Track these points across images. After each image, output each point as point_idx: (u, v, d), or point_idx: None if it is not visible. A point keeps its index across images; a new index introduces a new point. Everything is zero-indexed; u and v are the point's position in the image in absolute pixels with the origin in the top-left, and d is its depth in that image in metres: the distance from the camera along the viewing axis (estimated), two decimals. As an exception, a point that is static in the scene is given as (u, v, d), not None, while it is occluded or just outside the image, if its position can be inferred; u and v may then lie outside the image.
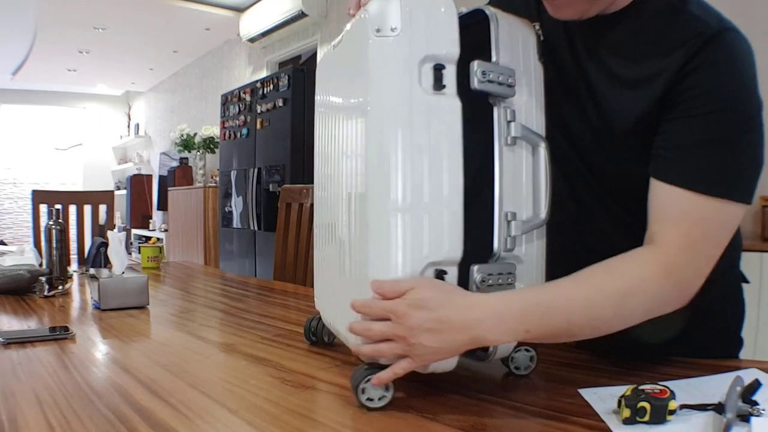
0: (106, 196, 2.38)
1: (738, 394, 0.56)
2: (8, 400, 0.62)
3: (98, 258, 1.71)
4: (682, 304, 0.63)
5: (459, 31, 0.61)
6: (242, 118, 3.99)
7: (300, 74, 3.47)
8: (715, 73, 0.61)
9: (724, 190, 0.60)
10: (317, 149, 0.83)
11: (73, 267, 1.75)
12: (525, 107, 0.67)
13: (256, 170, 3.72)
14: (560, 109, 0.74)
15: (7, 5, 4.31)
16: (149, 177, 6.86)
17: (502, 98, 0.64)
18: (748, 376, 0.61)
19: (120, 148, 8.08)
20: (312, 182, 1.69)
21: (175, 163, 5.66)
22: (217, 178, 4.58)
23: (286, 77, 3.47)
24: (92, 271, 1.25)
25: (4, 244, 4.79)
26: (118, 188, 7.43)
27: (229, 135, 4.16)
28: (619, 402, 0.56)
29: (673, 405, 0.54)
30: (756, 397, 0.56)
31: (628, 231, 0.75)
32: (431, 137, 0.60)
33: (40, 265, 1.56)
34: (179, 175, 5.42)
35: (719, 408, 0.55)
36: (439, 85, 0.60)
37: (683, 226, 0.61)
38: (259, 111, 3.75)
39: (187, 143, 5.15)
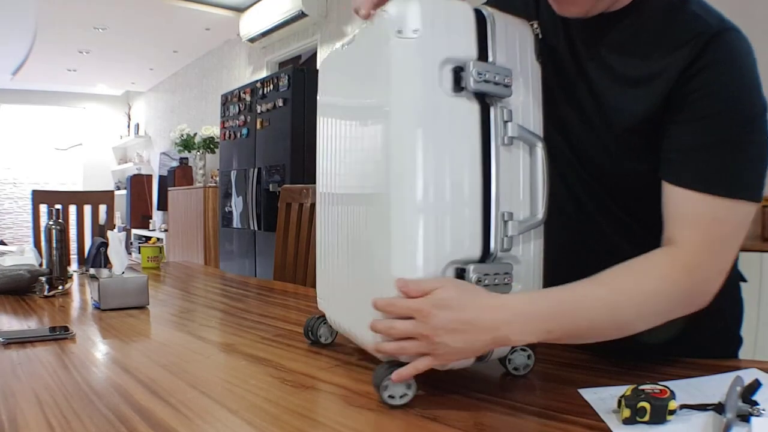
0: (106, 196, 2.38)
1: (738, 394, 0.56)
2: (8, 400, 0.62)
3: (98, 258, 1.71)
4: (704, 305, 0.64)
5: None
6: (242, 118, 3.99)
7: (300, 74, 3.47)
8: (720, 74, 0.61)
9: (737, 191, 0.61)
10: (321, 149, 0.83)
11: (73, 267, 1.75)
12: (522, 107, 0.67)
13: (256, 170, 3.72)
14: (559, 108, 0.74)
15: (7, 5, 4.31)
16: (149, 177, 6.86)
17: (499, 98, 0.64)
18: (748, 376, 0.61)
19: (120, 148, 8.08)
20: (312, 182, 1.69)
21: (175, 163, 5.66)
22: (217, 178, 4.58)
23: (286, 77, 3.46)
24: (92, 271, 1.25)
25: (4, 244, 4.79)
26: (118, 188, 7.43)
27: (229, 135, 4.16)
28: (619, 402, 0.56)
29: (673, 405, 0.54)
30: (756, 397, 0.56)
31: (628, 231, 0.75)
32: (452, 138, 0.61)
33: (40, 265, 1.56)
34: (179, 175, 5.42)
35: (719, 408, 0.55)
36: (458, 87, 0.61)
37: (700, 228, 0.62)
38: (259, 111, 3.75)
39: (187, 143, 5.15)
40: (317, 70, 3.84)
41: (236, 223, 4.01)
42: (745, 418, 0.52)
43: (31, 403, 0.61)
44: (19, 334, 0.90)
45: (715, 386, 0.63)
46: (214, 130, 4.96)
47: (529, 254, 0.67)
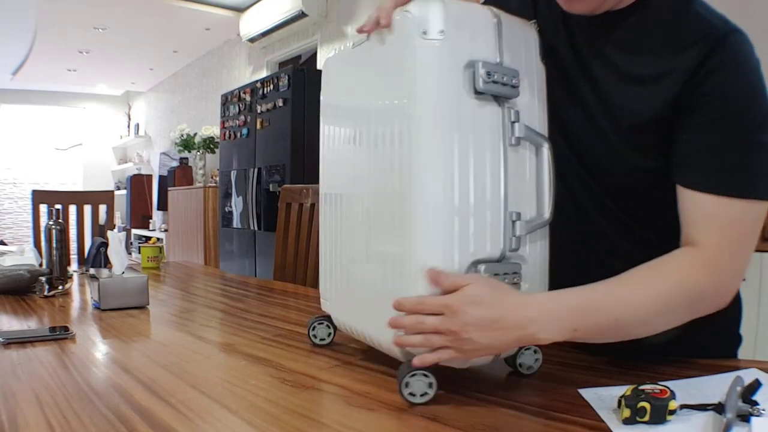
0: (106, 196, 2.38)
1: (738, 394, 0.56)
2: (8, 400, 0.62)
3: (98, 258, 1.70)
4: (725, 304, 0.65)
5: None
6: (242, 118, 3.99)
7: (300, 74, 3.47)
8: (730, 76, 0.62)
9: (753, 192, 0.63)
10: (326, 149, 0.83)
11: (73, 267, 1.75)
12: (528, 108, 0.67)
13: (256, 170, 3.72)
14: (560, 109, 0.74)
15: (7, 5, 4.31)
16: (149, 177, 6.86)
17: (506, 99, 0.64)
18: (748, 376, 0.61)
19: (120, 148, 8.08)
20: (312, 182, 1.69)
21: (175, 163, 5.66)
22: (217, 178, 4.58)
23: (286, 77, 3.46)
24: (92, 271, 1.25)
25: (4, 244, 4.79)
26: (118, 188, 7.43)
27: (229, 135, 4.16)
28: (619, 402, 0.56)
29: (673, 405, 0.54)
30: (756, 397, 0.56)
31: (628, 232, 0.75)
32: (475, 140, 0.62)
33: (40, 265, 1.55)
34: (179, 175, 5.41)
35: (719, 408, 0.55)
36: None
37: (719, 230, 0.63)
38: (259, 111, 3.75)
39: (187, 143, 5.15)
40: (318, 70, 3.82)
41: (236, 223, 4.01)
42: (745, 418, 0.52)
43: (31, 403, 0.61)
44: (19, 334, 0.90)
45: (715, 386, 0.63)
46: (214, 130, 4.96)
47: (535, 254, 0.68)
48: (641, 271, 0.63)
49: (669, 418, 0.54)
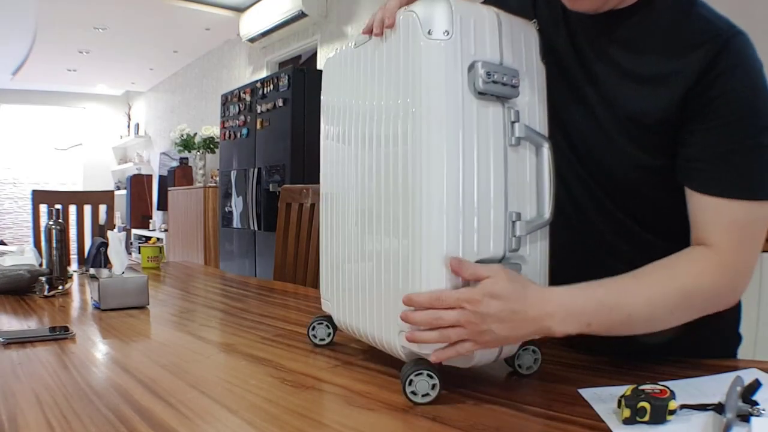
0: (106, 196, 2.38)
1: (738, 394, 0.56)
2: (8, 400, 0.62)
3: (98, 258, 1.70)
4: (735, 302, 0.67)
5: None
6: (242, 118, 3.99)
7: (300, 74, 3.47)
8: (738, 79, 0.63)
9: (761, 193, 0.64)
10: (327, 149, 0.82)
11: (73, 267, 1.75)
12: (528, 108, 0.67)
13: (256, 170, 3.72)
14: (560, 108, 0.74)
15: (7, 5, 4.31)
16: (149, 177, 6.85)
17: (506, 99, 0.64)
18: (748, 376, 0.61)
19: (120, 148, 8.08)
20: (312, 182, 1.69)
21: (175, 163, 5.66)
22: (217, 178, 4.58)
23: (286, 77, 3.46)
24: (92, 271, 1.25)
25: (4, 244, 4.79)
26: (118, 188, 7.43)
27: (229, 135, 4.16)
28: (619, 402, 0.56)
29: (673, 405, 0.54)
30: (756, 397, 0.56)
31: (628, 233, 0.75)
32: (479, 140, 0.62)
33: (40, 265, 1.55)
34: (179, 175, 5.41)
35: (719, 408, 0.55)
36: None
37: (729, 230, 0.64)
38: (259, 111, 3.75)
39: (187, 143, 5.15)
40: (318, 70, 3.82)
41: (236, 223, 4.01)
42: (745, 418, 0.52)
43: (31, 403, 0.61)
44: (19, 334, 0.90)
45: (715, 386, 0.63)
46: (214, 130, 4.96)
47: (535, 254, 0.68)
48: (656, 269, 0.64)
49: (669, 418, 0.54)
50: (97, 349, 0.87)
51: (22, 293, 1.31)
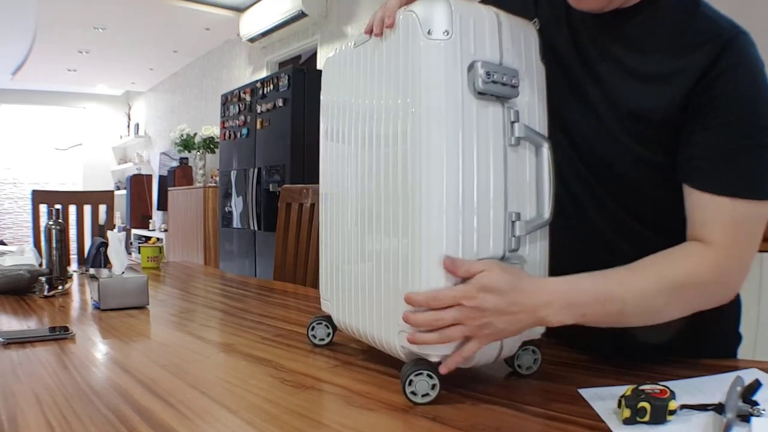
0: (106, 196, 2.38)
1: (738, 394, 0.56)
2: (8, 400, 0.62)
3: (98, 258, 1.70)
4: (730, 299, 0.68)
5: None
6: (242, 118, 3.99)
7: (300, 74, 3.47)
8: (738, 79, 0.63)
9: (760, 192, 0.64)
10: (326, 149, 0.82)
11: (73, 267, 1.75)
12: (528, 107, 0.67)
13: (256, 170, 3.72)
14: (562, 106, 0.74)
15: (7, 5, 4.31)
16: (149, 177, 6.85)
17: (506, 99, 0.64)
18: (748, 376, 0.61)
19: (120, 148, 8.08)
20: (312, 182, 1.69)
21: (175, 163, 5.65)
22: (217, 178, 4.57)
23: (286, 77, 3.46)
24: (92, 271, 1.25)
25: (4, 244, 4.79)
26: (118, 188, 7.42)
27: (229, 135, 4.16)
28: (620, 402, 0.56)
29: (673, 405, 0.54)
30: (756, 398, 0.56)
31: (628, 232, 0.75)
32: (479, 140, 0.62)
33: (40, 265, 1.55)
34: (179, 175, 5.41)
35: (719, 408, 0.55)
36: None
37: (728, 228, 0.65)
38: (259, 111, 3.75)
39: (187, 143, 5.15)
40: (318, 70, 3.82)
41: (236, 223, 4.01)
42: (745, 418, 0.52)
43: (30, 404, 0.61)
44: (19, 334, 0.90)
45: (715, 386, 0.63)
46: (214, 130, 4.96)
47: (535, 254, 0.68)
48: (652, 263, 0.65)
49: (669, 418, 0.54)
50: (97, 349, 0.87)
51: (22, 293, 1.31)
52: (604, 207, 0.75)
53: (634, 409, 0.54)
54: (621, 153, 0.71)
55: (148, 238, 6.09)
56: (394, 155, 0.65)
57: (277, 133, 3.55)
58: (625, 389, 0.56)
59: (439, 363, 0.62)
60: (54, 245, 1.44)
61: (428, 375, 0.61)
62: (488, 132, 0.63)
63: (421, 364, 0.62)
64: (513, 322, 0.61)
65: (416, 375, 0.61)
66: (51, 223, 1.46)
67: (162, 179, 6.16)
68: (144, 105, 7.65)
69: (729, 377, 0.61)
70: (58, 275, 1.41)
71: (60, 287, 1.34)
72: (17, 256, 1.59)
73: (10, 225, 7.35)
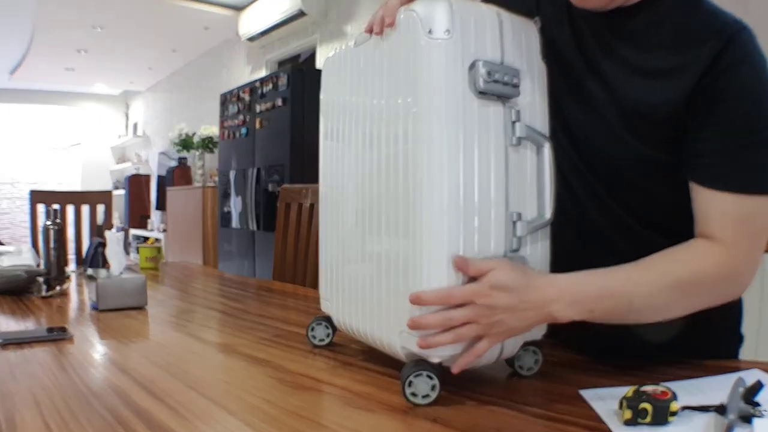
0: (104, 196, 2.37)
1: (740, 395, 0.55)
2: (5, 402, 0.61)
3: (96, 258, 1.70)
4: (739, 295, 0.68)
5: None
6: (241, 117, 3.98)
7: (299, 73, 3.46)
8: (741, 74, 0.63)
9: (767, 187, 0.64)
10: (326, 149, 0.82)
11: (71, 267, 1.75)
12: (529, 107, 0.67)
13: (255, 170, 3.71)
14: (563, 105, 0.74)
15: (4, 4, 4.30)
16: (148, 177, 6.84)
17: (507, 98, 0.64)
18: (750, 377, 0.61)
19: (118, 147, 8.07)
20: (312, 182, 1.69)
21: (173, 163, 5.65)
22: (216, 178, 4.57)
23: (286, 76, 3.46)
24: (90, 271, 1.24)
25: (2, 244, 4.77)
26: (117, 188, 7.41)
27: (228, 135, 4.15)
28: (621, 403, 0.55)
29: (674, 406, 0.54)
30: (758, 399, 0.56)
31: (628, 231, 0.75)
32: (480, 140, 0.62)
33: (38, 265, 1.55)
34: (178, 175, 5.41)
35: (721, 409, 0.55)
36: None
37: (735, 224, 0.65)
38: (258, 110, 3.74)
39: (185, 143, 5.14)
40: (317, 70, 3.82)
41: (235, 223, 4.00)
42: (747, 419, 0.52)
43: (28, 405, 0.60)
44: (17, 335, 0.89)
45: (717, 387, 0.63)
46: (212, 130, 4.95)
47: (536, 254, 0.68)
48: (661, 259, 0.65)
49: (671, 419, 0.54)
50: (95, 349, 0.87)
51: (19, 294, 1.31)
52: (604, 206, 0.75)
53: (636, 410, 0.53)
54: (624, 151, 0.71)
55: (146, 239, 6.08)
56: (394, 155, 0.65)
57: (276, 132, 3.54)
58: (627, 390, 0.56)
59: (440, 364, 0.62)
60: (52, 245, 1.43)
61: (428, 376, 0.61)
62: (489, 131, 0.63)
63: (421, 364, 0.61)
64: (523, 318, 0.61)
65: (416, 376, 0.61)
66: (49, 223, 1.45)
67: (161, 179, 6.15)
68: (142, 104, 7.64)
69: (731, 378, 0.61)
70: (55, 275, 1.41)
71: (58, 288, 1.33)
72: (15, 256, 1.59)
73: (8, 225, 7.33)
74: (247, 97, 3.90)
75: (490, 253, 0.63)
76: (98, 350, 0.86)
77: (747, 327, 0.82)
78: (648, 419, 0.53)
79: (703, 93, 0.65)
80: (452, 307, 0.60)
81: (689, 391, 0.62)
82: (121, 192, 7.00)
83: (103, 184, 7.52)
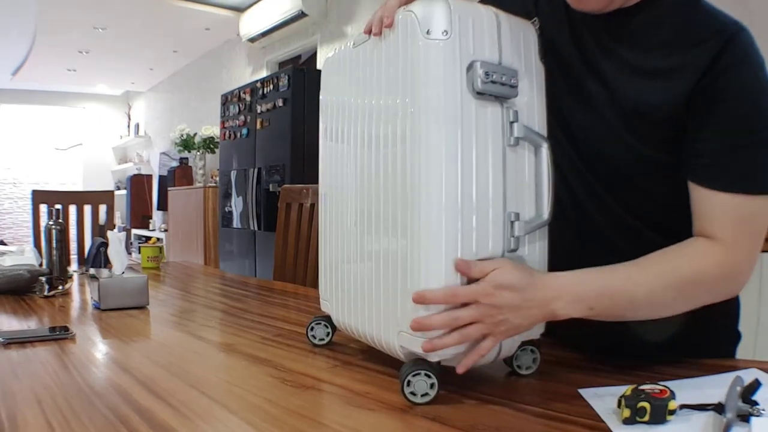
0: (106, 196, 2.38)
1: (738, 394, 0.56)
2: (8, 401, 0.62)
3: (98, 258, 1.70)
4: (737, 293, 0.69)
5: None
6: (242, 118, 3.98)
7: (300, 74, 3.46)
8: (740, 75, 0.64)
9: (766, 187, 0.65)
10: (325, 149, 0.82)
11: (73, 267, 1.75)
12: (527, 108, 0.67)
13: (256, 170, 3.72)
14: (562, 105, 0.74)
15: (6, 5, 4.31)
16: (149, 177, 6.85)
17: (505, 99, 0.64)
18: (748, 375, 0.61)
19: (120, 148, 8.08)
20: (312, 182, 1.69)
21: (174, 163, 5.65)
22: (217, 178, 4.58)
23: (286, 77, 3.46)
24: (92, 271, 1.25)
25: (4, 244, 4.79)
26: (118, 188, 7.42)
27: (229, 135, 4.16)
28: (619, 402, 0.56)
29: (673, 405, 0.54)
30: (756, 397, 0.56)
31: (628, 231, 0.75)
32: (478, 140, 0.62)
33: (40, 265, 1.55)
34: (179, 175, 5.41)
35: (719, 408, 0.55)
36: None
37: (734, 224, 0.65)
38: (259, 111, 3.75)
39: (186, 143, 5.15)
40: (318, 70, 3.82)
41: (236, 223, 4.01)
42: (745, 418, 0.52)
43: (30, 404, 0.61)
44: (19, 334, 0.90)
45: (715, 386, 0.63)
46: (213, 130, 4.95)
47: (534, 254, 0.68)
48: (660, 258, 0.65)
49: (669, 418, 0.54)
50: (97, 349, 0.87)
51: (22, 293, 1.31)
52: (604, 205, 0.75)
53: (634, 409, 0.53)
54: (623, 151, 0.71)
55: (148, 238, 6.09)
56: (393, 155, 0.65)
57: (276, 133, 3.55)
58: (625, 389, 0.56)
59: (438, 363, 0.62)
60: (54, 245, 1.44)
61: (426, 375, 0.61)
62: (487, 132, 0.63)
63: (420, 364, 0.62)
64: (527, 316, 0.62)
65: (414, 375, 0.61)
66: (51, 223, 1.46)
67: (162, 179, 6.16)
68: (144, 105, 7.65)
69: (729, 377, 0.61)
70: (58, 275, 1.41)
71: (60, 287, 1.34)
72: (17, 256, 1.59)
73: (10, 225, 7.35)
74: (247, 97, 3.91)
75: (488, 253, 0.63)
76: (100, 349, 0.87)
77: (745, 326, 0.83)
78: (646, 418, 0.53)
79: (703, 93, 0.65)
80: (456, 308, 0.60)
81: (687, 390, 0.62)
82: (123, 192, 7.01)
83: (104, 184, 7.53)
